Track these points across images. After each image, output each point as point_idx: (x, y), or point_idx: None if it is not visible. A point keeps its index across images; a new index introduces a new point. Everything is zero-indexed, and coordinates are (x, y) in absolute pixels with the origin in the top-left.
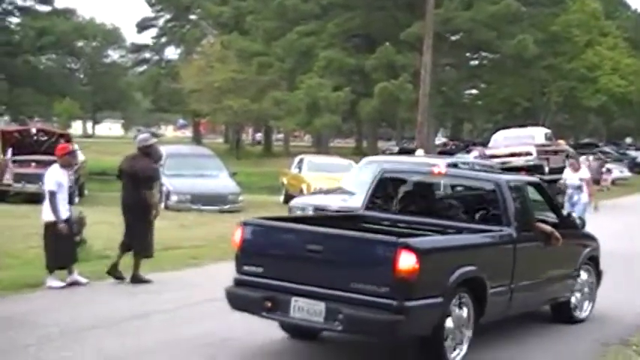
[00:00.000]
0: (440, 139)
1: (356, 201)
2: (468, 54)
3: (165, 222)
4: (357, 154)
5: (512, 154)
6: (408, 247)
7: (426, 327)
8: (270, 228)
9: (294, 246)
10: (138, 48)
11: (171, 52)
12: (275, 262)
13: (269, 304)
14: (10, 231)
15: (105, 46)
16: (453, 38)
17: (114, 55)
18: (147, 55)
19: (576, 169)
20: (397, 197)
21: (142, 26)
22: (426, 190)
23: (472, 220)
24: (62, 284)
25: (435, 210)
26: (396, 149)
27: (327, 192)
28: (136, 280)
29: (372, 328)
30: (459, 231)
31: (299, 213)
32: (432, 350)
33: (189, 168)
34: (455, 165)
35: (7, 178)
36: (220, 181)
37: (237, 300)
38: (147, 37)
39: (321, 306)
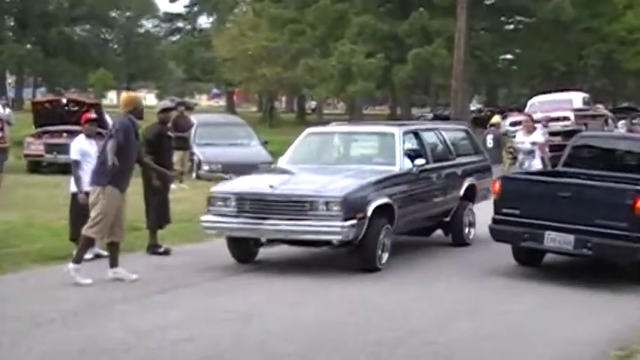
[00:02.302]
0: (475, 106)
1: (291, 185)
2: (503, 18)
3: (196, 191)
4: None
5: (550, 119)
6: None
7: None
8: (525, 181)
9: (547, 194)
10: (171, 17)
11: (204, 21)
12: (530, 206)
13: (526, 236)
14: (41, 202)
15: (138, 16)
16: (488, 2)
17: (147, 24)
18: (180, 24)
19: (530, 131)
20: (589, 155)
21: None
22: (612, 150)
23: None
24: (89, 256)
25: (619, 165)
26: (430, 116)
27: (261, 172)
28: (150, 250)
29: (616, 253)
30: None
31: (220, 204)
32: None
33: (220, 137)
34: (415, 132)
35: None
36: (252, 149)
37: (499, 234)
38: (180, 7)
39: (570, 237)
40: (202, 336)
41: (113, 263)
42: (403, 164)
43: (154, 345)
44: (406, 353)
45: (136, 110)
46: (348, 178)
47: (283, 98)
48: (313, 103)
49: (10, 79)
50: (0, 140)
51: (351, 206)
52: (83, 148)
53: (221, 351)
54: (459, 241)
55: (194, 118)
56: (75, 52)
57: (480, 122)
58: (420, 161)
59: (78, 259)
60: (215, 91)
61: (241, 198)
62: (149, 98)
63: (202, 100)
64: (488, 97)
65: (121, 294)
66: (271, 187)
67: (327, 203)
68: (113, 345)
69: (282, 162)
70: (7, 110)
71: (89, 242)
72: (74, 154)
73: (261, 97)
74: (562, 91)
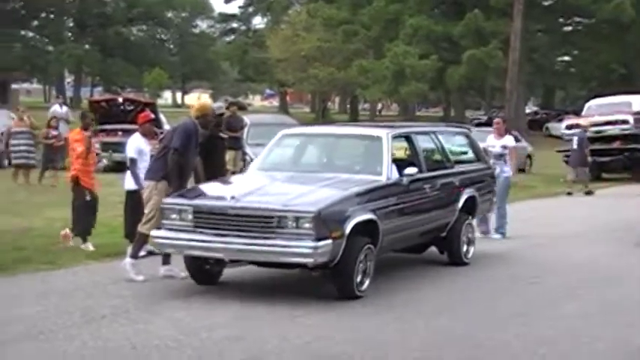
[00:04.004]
0: (530, 108)
1: (257, 197)
2: (560, 19)
3: None
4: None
5: (607, 123)
6: None
7: None
8: None
9: None
10: (225, 18)
11: (258, 22)
12: None
13: None
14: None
15: (193, 17)
16: (546, 3)
17: (202, 25)
18: (234, 24)
19: (501, 134)
20: None
21: None
22: None
23: None
24: (142, 254)
25: None
26: (485, 118)
27: (228, 180)
28: None
29: None
30: None
31: (174, 216)
32: None
33: (272, 137)
34: (406, 136)
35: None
36: None
37: None
38: (234, 7)
39: None
40: (249, 335)
41: (166, 261)
42: (391, 173)
43: (202, 343)
44: (453, 357)
45: (203, 119)
46: (324, 189)
47: (336, 99)
48: (366, 105)
49: (69, 79)
50: (55, 138)
51: (326, 223)
52: (139, 147)
53: (267, 351)
54: (456, 259)
55: (247, 118)
56: (131, 52)
57: (536, 125)
58: (410, 170)
59: (134, 255)
60: (269, 91)
61: (198, 211)
62: (203, 98)
63: (256, 101)
64: (545, 100)
65: (172, 292)
66: (233, 198)
67: (297, 219)
68: (163, 342)
69: (253, 168)
70: (65, 108)
71: (144, 239)
72: (131, 152)
73: (314, 98)
74: (621, 93)
